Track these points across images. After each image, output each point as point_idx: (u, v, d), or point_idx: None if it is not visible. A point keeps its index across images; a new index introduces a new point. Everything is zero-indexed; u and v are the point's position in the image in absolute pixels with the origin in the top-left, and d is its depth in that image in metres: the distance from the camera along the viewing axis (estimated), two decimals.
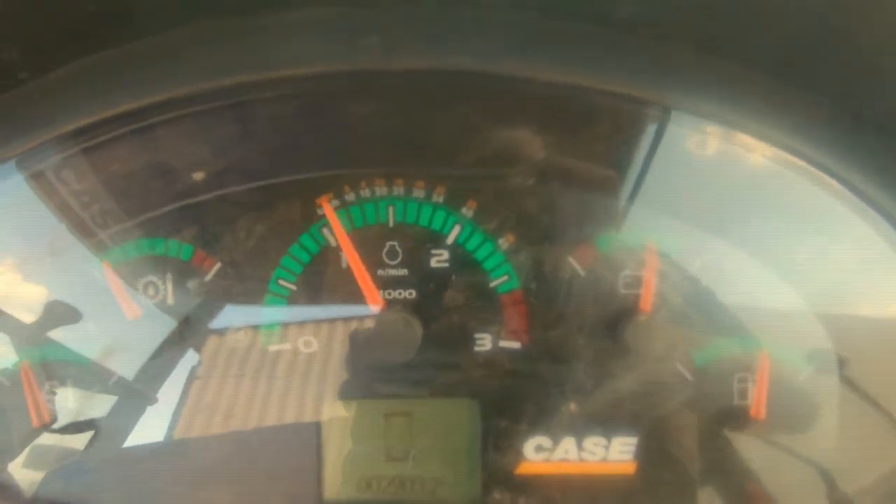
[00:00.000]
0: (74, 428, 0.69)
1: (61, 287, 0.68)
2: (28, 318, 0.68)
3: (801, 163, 0.60)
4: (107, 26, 0.53)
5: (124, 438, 0.69)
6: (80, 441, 0.69)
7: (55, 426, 0.68)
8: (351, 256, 0.63)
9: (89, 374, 0.69)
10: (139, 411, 0.70)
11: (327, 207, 0.63)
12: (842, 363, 0.66)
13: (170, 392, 0.69)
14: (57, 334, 0.68)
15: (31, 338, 0.68)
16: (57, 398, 0.68)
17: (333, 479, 0.67)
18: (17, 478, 0.68)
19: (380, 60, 0.51)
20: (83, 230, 0.65)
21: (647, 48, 0.55)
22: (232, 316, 0.67)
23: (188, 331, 0.68)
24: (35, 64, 0.56)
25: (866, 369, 0.66)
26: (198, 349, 0.68)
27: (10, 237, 0.68)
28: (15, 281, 0.69)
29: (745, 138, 0.60)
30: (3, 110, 0.57)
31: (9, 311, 0.68)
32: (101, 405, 0.70)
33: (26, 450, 0.67)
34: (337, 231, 0.63)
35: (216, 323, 0.67)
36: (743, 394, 0.65)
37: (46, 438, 0.69)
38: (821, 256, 0.65)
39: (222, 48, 0.53)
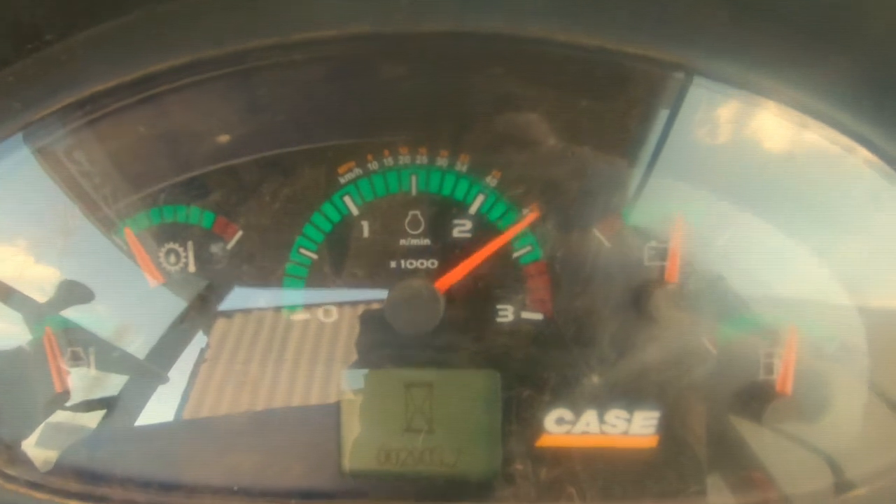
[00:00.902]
0: (99, 401, 0.69)
1: (82, 259, 0.68)
2: (51, 291, 0.69)
3: (836, 133, 0.59)
4: None
5: (149, 409, 0.69)
6: (103, 411, 0.69)
7: (80, 396, 0.68)
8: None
9: (109, 344, 0.69)
10: (158, 382, 0.70)
11: None
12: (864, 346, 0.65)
13: (189, 363, 0.69)
14: (80, 306, 0.69)
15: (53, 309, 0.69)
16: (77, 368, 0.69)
17: (353, 450, 0.67)
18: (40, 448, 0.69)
19: (410, 22, 0.51)
20: (105, 198, 0.65)
21: (679, 10, 0.54)
22: (253, 285, 0.67)
23: (207, 300, 0.68)
24: (61, 26, 0.56)
25: (881, 355, 0.65)
26: (217, 319, 0.68)
27: (29, 209, 0.68)
28: (31, 260, 0.69)
29: (778, 107, 0.59)
30: (30, 72, 0.57)
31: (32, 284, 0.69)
32: (118, 377, 0.70)
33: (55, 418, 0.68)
34: None
35: (237, 292, 0.67)
36: (769, 369, 0.64)
37: (71, 406, 0.69)
38: (853, 233, 0.64)
39: (251, 10, 0.53)
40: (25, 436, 0.67)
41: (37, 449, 0.69)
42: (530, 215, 0.63)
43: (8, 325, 0.68)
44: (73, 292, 0.69)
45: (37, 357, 0.67)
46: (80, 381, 0.69)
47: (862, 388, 0.66)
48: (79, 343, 0.68)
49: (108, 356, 0.69)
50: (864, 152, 0.60)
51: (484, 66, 0.57)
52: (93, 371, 0.68)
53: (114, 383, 0.70)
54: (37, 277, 0.69)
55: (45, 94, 0.57)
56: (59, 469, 0.67)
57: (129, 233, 0.65)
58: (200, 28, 0.54)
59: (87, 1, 0.54)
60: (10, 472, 0.65)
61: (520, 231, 0.63)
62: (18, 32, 0.56)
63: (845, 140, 0.59)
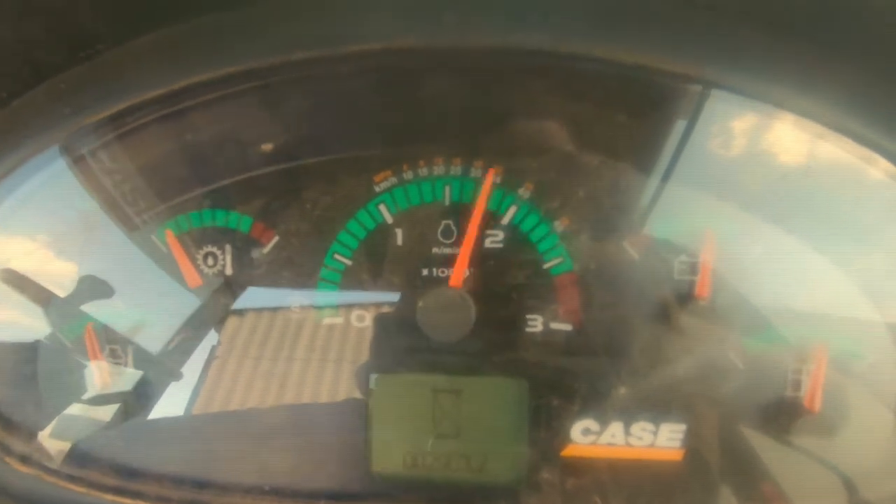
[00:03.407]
0: (133, 398, 0.71)
1: (122, 259, 0.70)
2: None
3: (858, 146, 0.59)
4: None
5: (182, 408, 0.71)
6: (136, 407, 0.71)
7: (116, 389, 0.70)
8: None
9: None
10: (191, 381, 0.72)
11: None
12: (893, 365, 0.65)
13: (221, 364, 0.71)
14: (119, 304, 0.71)
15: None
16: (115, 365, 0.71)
17: (381, 454, 0.68)
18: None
19: (455, 38, 0.52)
20: (147, 202, 0.67)
21: (716, 29, 0.55)
22: (287, 289, 0.68)
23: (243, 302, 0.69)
24: (114, 34, 0.58)
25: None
26: (252, 321, 0.70)
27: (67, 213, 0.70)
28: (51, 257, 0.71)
29: (802, 121, 0.59)
30: (82, 79, 0.59)
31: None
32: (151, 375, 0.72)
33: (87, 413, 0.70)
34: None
35: (271, 295, 0.69)
36: (796, 385, 0.64)
37: (105, 401, 0.71)
38: (882, 248, 0.64)
39: (302, 22, 0.54)
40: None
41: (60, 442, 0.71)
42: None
43: (50, 321, 0.70)
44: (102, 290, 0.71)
45: (78, 352, 0.69)
46: (117, 377, 0.71)
47: (889, 409, 0.66)
48: (117, 341, 0.70)
49: (144, 354, 0.71)
50: (892, 168, 0.60)
51: (524, 81, 0.58)
52: (129, 368, 0.71)
53: (147, 381, 0.72)
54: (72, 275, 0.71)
55: (95, 100, 0.59)
56: (95, 464, 0.69)
57: (170, 235, 0.67)
58: (251, 39, 0.55)
59: (140, 11, 0.56)
60: (50, 465, 0.68)
61: (551, 242, 0.64)
62: (72, 40, 0.58)
63: (873, 156, 0.59)
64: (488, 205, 0.64)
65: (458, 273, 0.64)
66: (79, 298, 0.71)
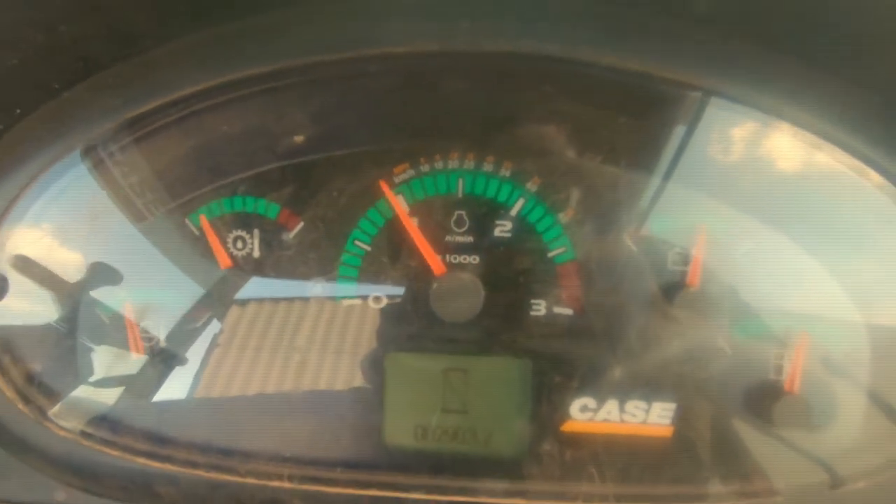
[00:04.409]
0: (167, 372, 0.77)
1: (158, 242, 0.75)
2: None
3: (849, 157, 0.64)
4: (226, 3, 0.60)
5: (209, 382, 0.76)
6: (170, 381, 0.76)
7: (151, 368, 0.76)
8: (412, 230, 0.70)
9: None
10: (218, 359, 0.77)
11: (386, 188, 0.70)
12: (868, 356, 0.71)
13: (247, 338, 0.76)
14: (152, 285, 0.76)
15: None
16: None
17: (393, 426, 0.73)
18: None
19: (472, 43, 0.57)
20: (183, 188, 0.72)
21: (711, 41, 0.60)
22: (311, 272, 0.73)
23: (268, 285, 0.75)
24: (158, 33, 0.63)
25: (883, 364, 0.70)
26: (276, 300, 0.75)
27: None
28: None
29: (795, 130, 0.64)
30: (129, 74, 0.64)
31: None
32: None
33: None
34: (397, 208, 0.70)
35: (295, 277, 0.74)
36: (778, 370, 0.70)
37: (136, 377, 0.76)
38: (864, 252, 0.69)
39: (331, 26, 0.59)
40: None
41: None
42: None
43: (94, 299, 0.76)
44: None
45: (116, 327, 0.74)
46: (149, 353, 0.76)
47: (863, 394, 0.71)
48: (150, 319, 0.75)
49: (174, 332, 0.76)
50: (875, 176, 0.65)
51: (534, 84, 0.64)
52: (161, 344, 0.76)
53: (175, 357, 0.77)
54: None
55: (142, 93, 0.64)
56: (128, 430, 0.74)
57: (203, 220, 0.73)
58: (285, 41, 0.60)
59: (184, 13, 0.61)
60: (89, 430, 0.73)
61: (555, 233, 0.70)
62: (119, 38, 0.64)
63: (858, 164, 0.65)
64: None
65: (435, 263, 0.69)
66: (117, 280, 0.76)
